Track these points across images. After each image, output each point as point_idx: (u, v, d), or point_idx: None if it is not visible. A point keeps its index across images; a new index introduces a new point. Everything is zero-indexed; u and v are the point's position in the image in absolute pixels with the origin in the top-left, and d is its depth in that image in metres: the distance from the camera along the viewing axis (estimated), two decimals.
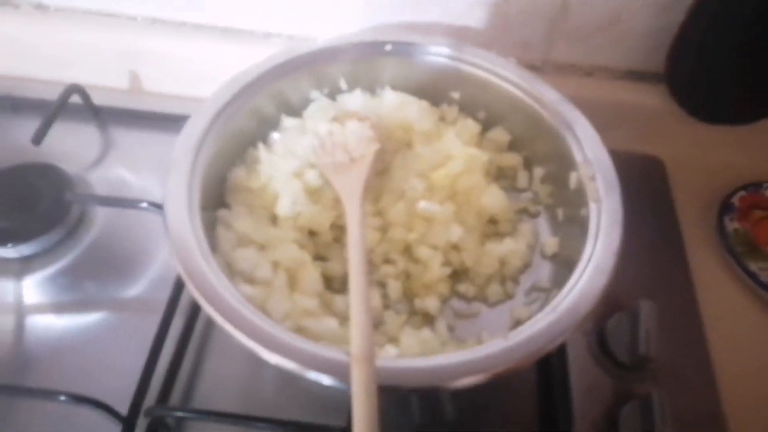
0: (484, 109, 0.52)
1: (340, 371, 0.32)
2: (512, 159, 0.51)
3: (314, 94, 0.52)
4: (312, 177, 0.47)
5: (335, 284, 0.44)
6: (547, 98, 0.47)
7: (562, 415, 0.44)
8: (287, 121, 0.51)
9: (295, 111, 0.52)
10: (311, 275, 0.42)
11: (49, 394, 0.42)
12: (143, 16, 0.66)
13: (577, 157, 0.44)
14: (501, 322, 0.44)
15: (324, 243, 0.46)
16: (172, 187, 0.40)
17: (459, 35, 0.53)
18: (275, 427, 0.40)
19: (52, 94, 0.63)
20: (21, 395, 0.43)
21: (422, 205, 0.45)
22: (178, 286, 0.51)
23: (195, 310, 0.50)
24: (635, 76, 0.63)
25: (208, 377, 0.47)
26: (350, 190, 0.43)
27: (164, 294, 0.50)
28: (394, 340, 0.40)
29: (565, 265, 0.44)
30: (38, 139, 0.56)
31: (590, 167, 0.43)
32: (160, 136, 0.64)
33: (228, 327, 0.34)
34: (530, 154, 0.51)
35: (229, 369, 0.48)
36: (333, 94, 0.53)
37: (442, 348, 0.40)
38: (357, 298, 0.35)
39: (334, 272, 0.45)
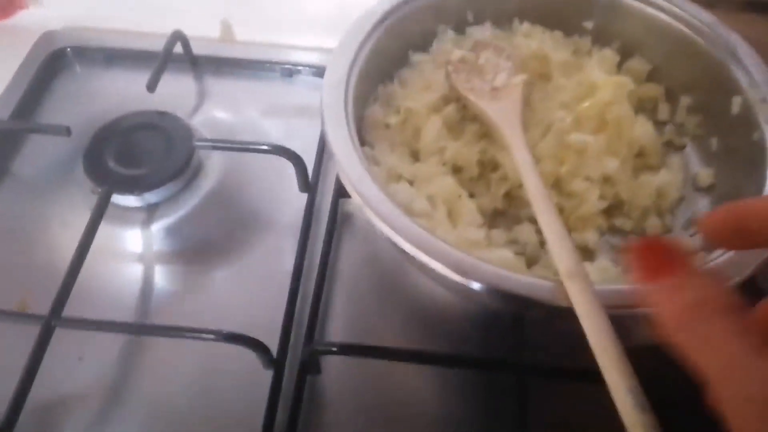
0: (618, 39, 0.50)
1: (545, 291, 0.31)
2: (653, 90, 0.49)
3: (441, 27, 0.50)
4: (451, 111, 0.45)
5: (485, 220, 0.43)
6: (701, 21, 0.44)
7: None
8: (416, 57, 0.49)
9: (422, 47, 0.50)
10: (469, 207, 0.40)
11: (207, 333, 0.42)
12: None
13: (742, 81, 0.42)
14: None
15: (469, 179, 0.44)
16: (332, 128, 0.39)
17: None
18: (449, 361, 0.40)
19: (142, 44, 0.63)
20: (177, 334, 0.43)
21: (574, 137, 0.43)
22: (306, 228, 0.50)
23: (326, 251, 0.49)
24: (759, 6, 0.60)
25: (339, 318, 0.47)
26: (506, 118, 0.41)
27: (289, 238, 0.50)
28: None
29: (726, 195, 0.42)
30: (153, 85, 0.54)
31: (760, 89, 0.41)
32: (254, 83, 0.63)
33: (424, 257, 0.33)
34: (673, 84, 0.48)
35: (358, 308, 0.47)
36: (460, 27, 0.50)
37: (620, 278, 0.38)
38: (548, 217, 0.34)
39: (483, 208, 0.43)
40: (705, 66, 0.44)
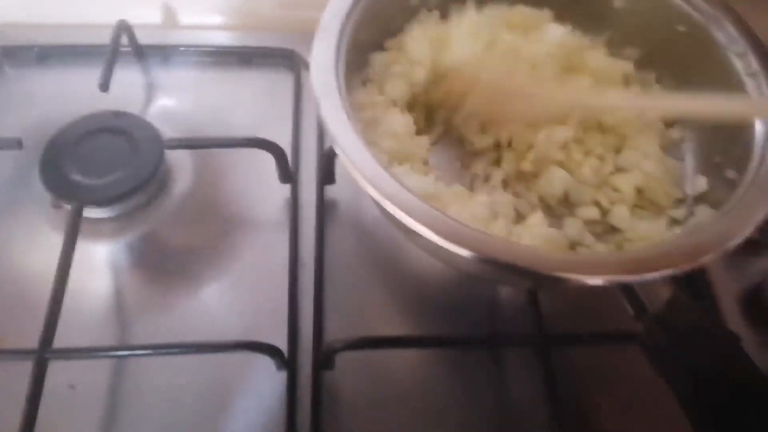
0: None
1: None
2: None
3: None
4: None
5: None
6: None
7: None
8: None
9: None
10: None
11: (216, 345, 0.40)
12: None
13: (719, 37, 0.43)
14: None
15: None
16: (332, 118, 0.37)
17: None
18: (464, 342, 0.40)
19: (78, 38, 0.58)
20: (184, 351, 0.40)
21: None
22: (294, 221, 0.49)
23: (319, 241, 0.48)
24: None
25: (341, 308, 0.46)
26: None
27: (276, 233, 0.48)
28: None
29: None
30: (105, 84, 0.50)
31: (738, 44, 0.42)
32: (206, 71, 0.59)
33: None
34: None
35: (359, 295, 0.46)
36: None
37: None
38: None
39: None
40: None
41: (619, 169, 0.44)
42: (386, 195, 0.33)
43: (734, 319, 0.44)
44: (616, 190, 0.43)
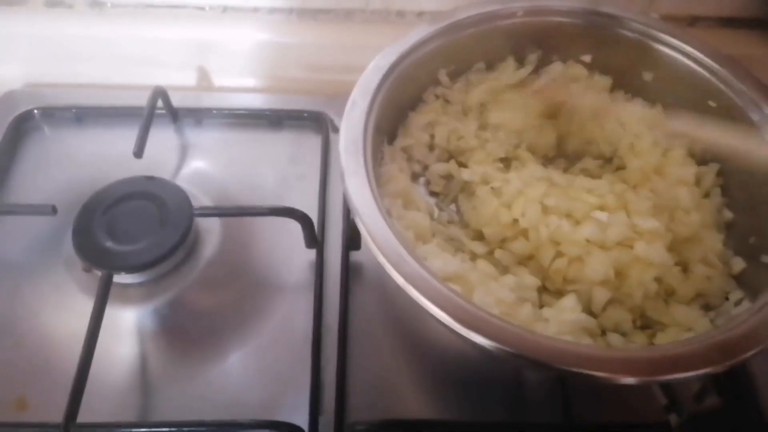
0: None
1: None
2: None
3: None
4: None
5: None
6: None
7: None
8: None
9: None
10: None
11: (234, 425, 0.40)
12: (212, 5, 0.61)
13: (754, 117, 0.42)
14: None
15: None
16: (360, 203, 0.37)
17: None
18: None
19: (115, 99, 0.59)
20: (209, 430, 0.40)
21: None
22: (319, 287, 0.48)
23: (343, 311, 0.47)
24: (736, 23, 0.61)
25: (364, 381, 0.45)
26: None
27: (300, 299, 0.48)
28: None
29: None
30: (140, 151, 0.51)
31: None
32: (237, 133, 0.60)
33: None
34: None
35: (382, 368, 0.45)
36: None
37: None
38: None
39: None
40: None
41: None
42: (409, 280, 0.33)
43: None
44: None
